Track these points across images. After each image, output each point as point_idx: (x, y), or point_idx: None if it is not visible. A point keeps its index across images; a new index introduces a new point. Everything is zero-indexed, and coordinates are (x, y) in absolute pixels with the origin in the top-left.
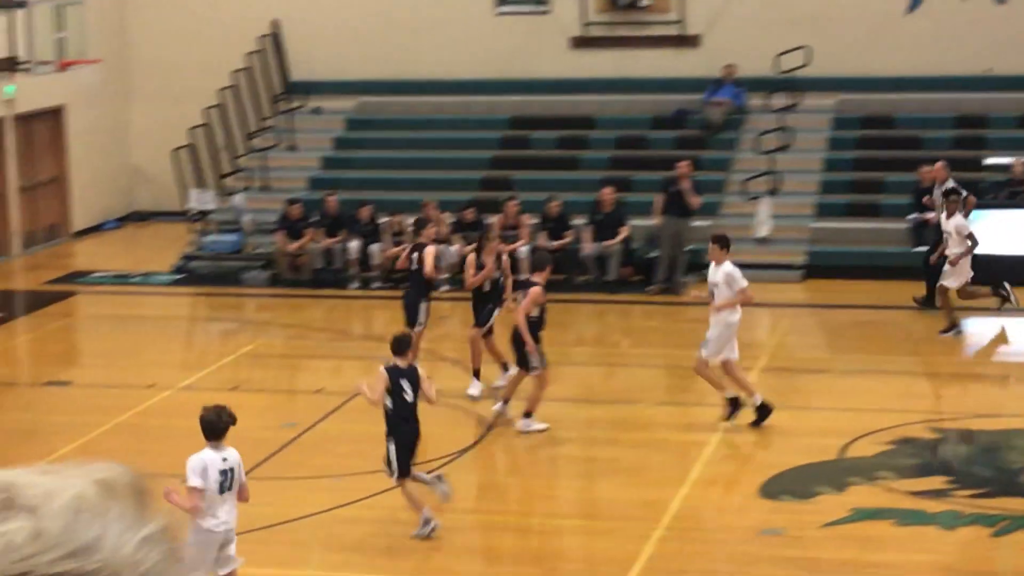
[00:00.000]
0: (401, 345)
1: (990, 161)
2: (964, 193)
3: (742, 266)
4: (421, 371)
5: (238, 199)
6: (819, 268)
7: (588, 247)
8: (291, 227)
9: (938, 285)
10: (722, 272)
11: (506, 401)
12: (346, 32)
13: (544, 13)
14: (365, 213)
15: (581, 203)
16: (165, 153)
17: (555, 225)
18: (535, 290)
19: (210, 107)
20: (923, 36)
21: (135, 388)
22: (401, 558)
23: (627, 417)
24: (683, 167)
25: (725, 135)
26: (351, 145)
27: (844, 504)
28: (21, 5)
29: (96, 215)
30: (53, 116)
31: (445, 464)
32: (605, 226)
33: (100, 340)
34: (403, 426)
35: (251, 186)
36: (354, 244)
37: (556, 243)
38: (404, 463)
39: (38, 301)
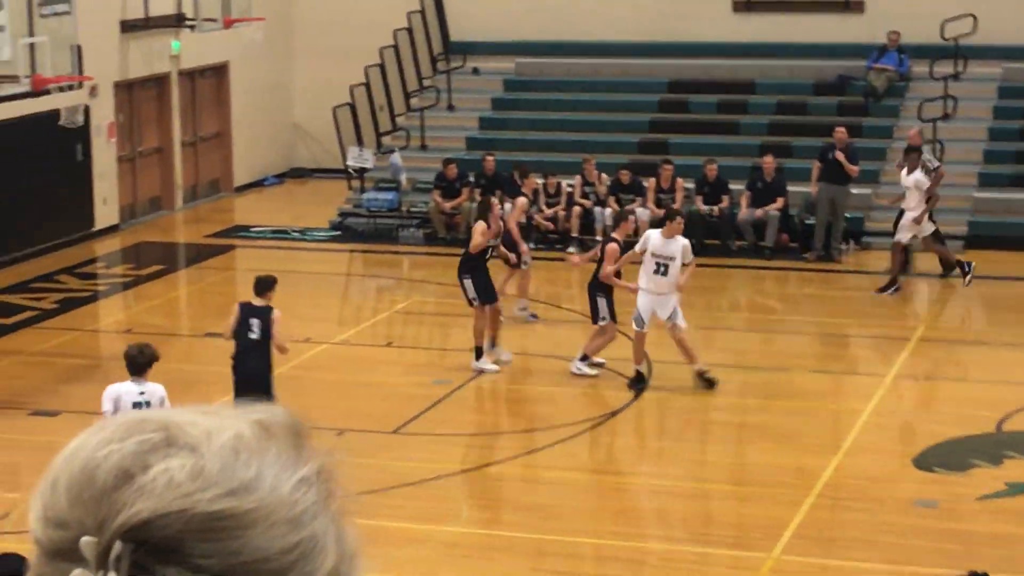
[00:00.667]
0: (260, 285)
1: None
2: (926, 154)
3: None
4: (276, 314)
5: (396, 157)
6: (981, 238)
7: (745, 212)
8: (447, 186)
9: (893, 241)
10: (679, 245)
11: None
12: None
13: None
14: (520, 174)
15: (739, 168)
16: (325, 111)
17: (711, 189)
18: (611, 247)
19: (370, 66)
20: None
21: (292, 342)
22: (550, 517)
23: (780, 384)
24: (840, 133)
25: (888, 102)
26: (508, 106)
27: (999, 478)
28: None
29: (257, 171)
30: (217, 73)
31: (595, 426)
32: (764, 193)
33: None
34: (240, 362)
35: (409, 145)
36: (509, 204)
37: (714, 208)
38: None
39: (199, 254)
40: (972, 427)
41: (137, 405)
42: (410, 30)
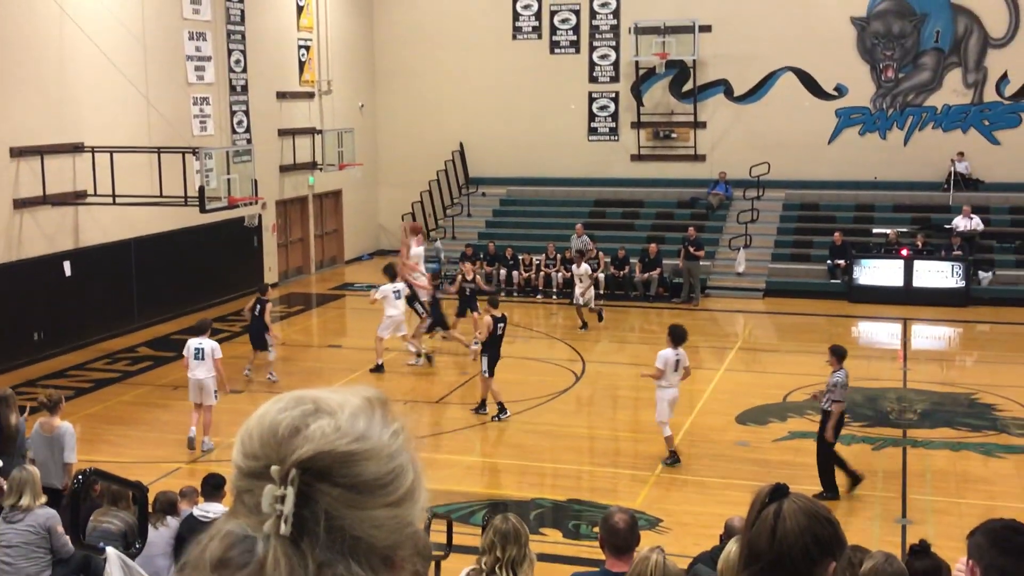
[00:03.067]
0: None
1: (875, 231)
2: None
3: (727, 288)
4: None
5: (438, 243)
6: (773, 291)
7: (638, 275)
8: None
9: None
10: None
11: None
12: (502, 148)
13: (616, 140)
14: (508, 252)
15: (636, 250)
16: (397, 216)
17: (620, 262)
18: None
19: (424, 190)
20: (838, 156)
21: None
22: (529, 451)
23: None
24: (691, 231)
25: (719, 212)
26: (503, 214)
27: (785, 428)
28: (319, 133)
29: (357, 251)
30: (335, 196)
31: (555, 398)
32: (650, 264)
33: (357, 322)
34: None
35: (445, 236)
36: (503, 271)
37: (619, 272)
38: None
39: (324, 299)
40: (769, 399)
41: (197, 349)
42: (446, 171)
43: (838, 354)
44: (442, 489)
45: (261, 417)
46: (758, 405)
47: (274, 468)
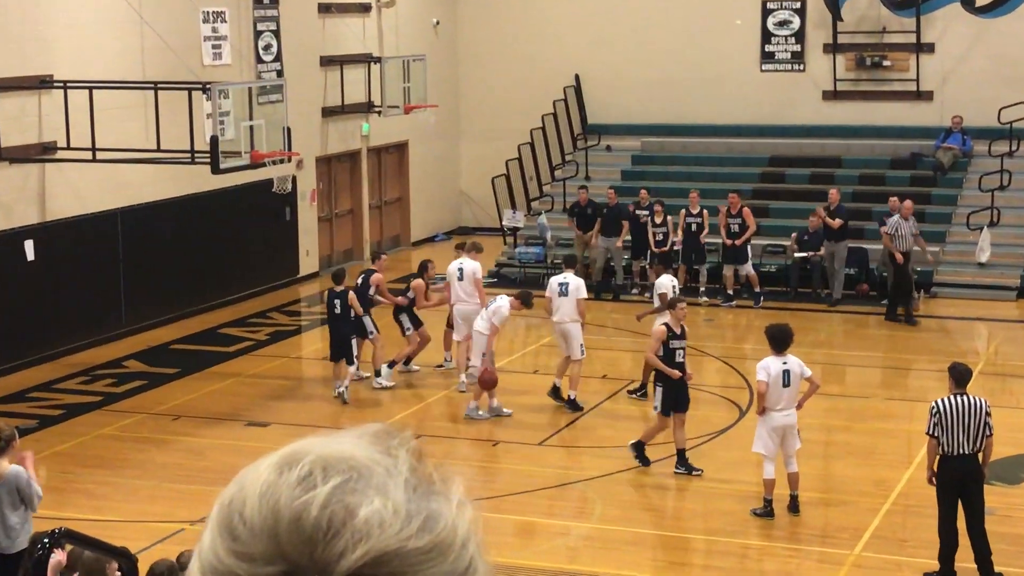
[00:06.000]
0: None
1: None
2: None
3: (963, 286)
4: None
5: (542, 219)
6: None
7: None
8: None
9: None
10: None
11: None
12: (634, 84)
13: (801, 70)
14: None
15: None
16: (486, 180)
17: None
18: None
19: (523, 143)
20: None
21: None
22: (668, 517)
23: (861, 408)
24: (833, 194)
25: (953, 175)
26: (635, 177)
27: None
28: (377, 61)
29: (429, 229)
30: (398, 149)
31: (706, 442)
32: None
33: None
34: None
35: (553, 208)
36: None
37: (811, 253)
38: None
39: None
40: (1023, 447)
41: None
42: (555, 115)
43: (953, 374)
44: (541, 567)
45: (265, 496)
46: (1008, 456)
47: None
